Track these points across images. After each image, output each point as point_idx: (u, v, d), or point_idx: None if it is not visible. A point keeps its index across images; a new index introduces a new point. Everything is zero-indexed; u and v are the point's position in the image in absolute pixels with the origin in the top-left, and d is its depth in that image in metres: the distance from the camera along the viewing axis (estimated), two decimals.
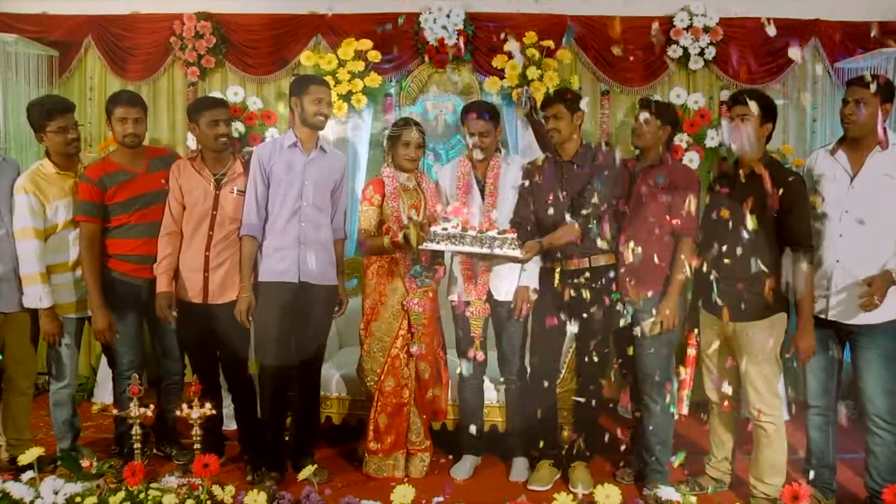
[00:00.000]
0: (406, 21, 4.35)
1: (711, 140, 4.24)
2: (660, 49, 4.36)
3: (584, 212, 3.02)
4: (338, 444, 3.66)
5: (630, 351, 3.10)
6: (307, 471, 2.59)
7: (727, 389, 3.00)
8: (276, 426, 3.26)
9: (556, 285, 3.12)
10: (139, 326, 3.37)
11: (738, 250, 2.81)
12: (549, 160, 3.23)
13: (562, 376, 3.42)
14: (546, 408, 3.26)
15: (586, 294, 3.08)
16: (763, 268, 2.78)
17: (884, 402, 2.80)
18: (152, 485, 2.53)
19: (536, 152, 3.88)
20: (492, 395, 3.49)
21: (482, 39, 4.38)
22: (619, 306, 3.06)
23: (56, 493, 2.48)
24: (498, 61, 4.27)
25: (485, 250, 3.02)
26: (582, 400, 3.18)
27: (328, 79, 3.88)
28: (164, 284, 3.18)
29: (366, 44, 4.27)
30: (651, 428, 3.08)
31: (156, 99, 4.58)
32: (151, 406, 2.81)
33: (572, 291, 3.11)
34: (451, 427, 3.52)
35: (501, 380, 3.41)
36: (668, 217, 3.00)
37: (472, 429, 3.35)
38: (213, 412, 2.77)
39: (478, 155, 3.25)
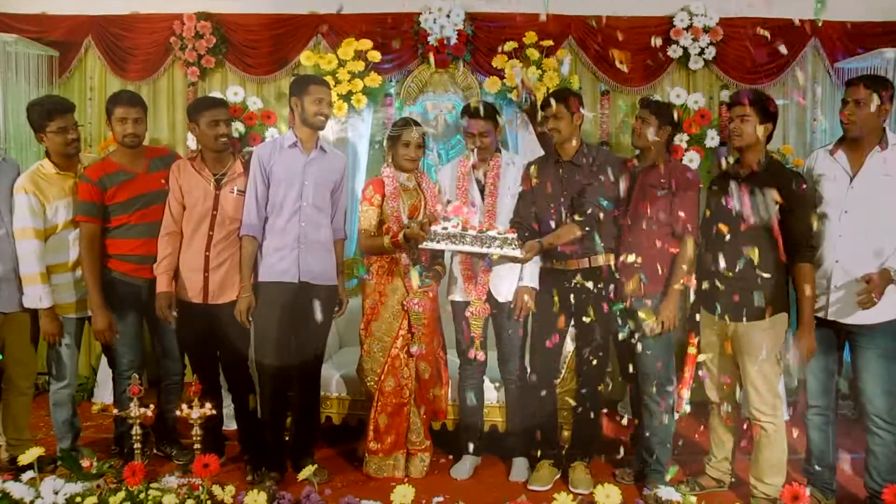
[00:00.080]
0: (406, 21, 4.35)
1: (711, 140, 4.24)
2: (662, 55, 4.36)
3: (583, 212, 3.02)
4: (338, 444, 3.65)
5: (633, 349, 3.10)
6: (307, 471, 2.59)
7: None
8: (276, 426, 3.26)
9: (555, 285, 3.13)
10: (139, 326, 3.37)
11: (739, 250, 2.81)
12: (549, 160, 3.23)
13: (562, 376, 3.42)
14: (546, 408, 3.26)
15: (586, 294, 3.08)
16: (763, 268, 2.78)
17: (883, 402, 2.80)
18: (152, 485, 2.53)
19: (536, 152, 3.88)
20: (492, 395, 3.49)
21: (482, 39, 4.38)
22: (619, 314, 3.06)
23: (56, 493, 2.49)
24: (498, 61, 4.26)
25: (485, 250, 3.02)
26: (574, 402, 3.18)
27: (328, 79, 3.88)
28: (164, 284, 3.18)
29: (366, 44, 4.27)
30: (651, 428, 3.08)
31: (156, 99, 4.58)
32: (151, 406, 2.82)
33: (572, 291, 3.11)
34: (451, 427, 3.52)
35: (497, 384, 3.41)
36: (668, 217, 3.00)
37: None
38: (213, 412, 2.78)
39: (477, 155, 3.26)
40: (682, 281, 2.98)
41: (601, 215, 3.03)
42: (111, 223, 3.21)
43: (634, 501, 2.66)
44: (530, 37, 4.22)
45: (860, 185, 2.84)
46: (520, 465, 3.33)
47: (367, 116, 4.40)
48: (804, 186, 2.83)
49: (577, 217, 3.03)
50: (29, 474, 2.57)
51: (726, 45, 4.36)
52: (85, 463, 2.64)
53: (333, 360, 3.77)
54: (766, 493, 2.90)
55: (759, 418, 2.89)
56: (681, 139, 4.22)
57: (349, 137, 4.38)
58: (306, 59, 4.33)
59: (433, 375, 3.35)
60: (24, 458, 2.55)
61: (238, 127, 4.22)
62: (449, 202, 3.30)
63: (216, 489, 2.51)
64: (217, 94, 4.20)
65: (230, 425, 3.53)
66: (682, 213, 2.99)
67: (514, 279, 3.22)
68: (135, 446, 2.78)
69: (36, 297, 3.15)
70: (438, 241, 3.04)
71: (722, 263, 2.87)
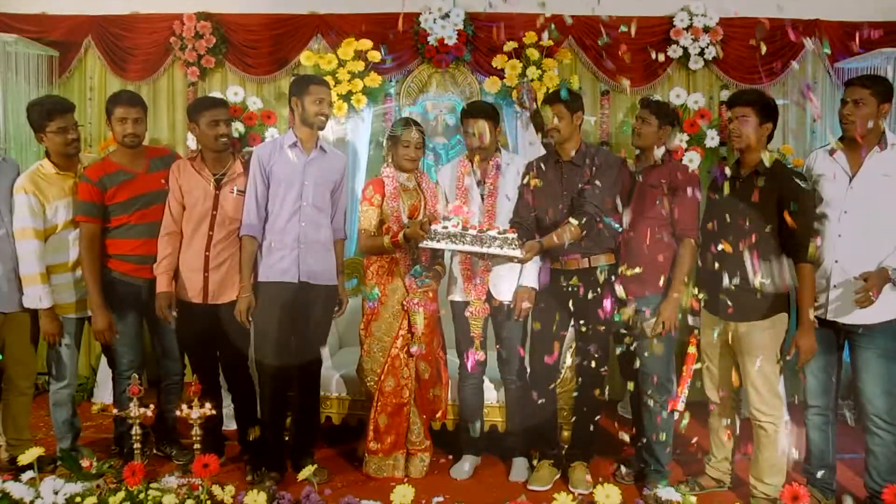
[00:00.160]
0: (406, 21, 4.35)
1: (711, 140, 4.24)
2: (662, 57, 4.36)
3: (583, 212, 3.02)
4: (338, 444, 3.66)
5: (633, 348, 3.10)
6: (307, 471, 2.59)
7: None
8: (276, 426, 3.26)
9: (555, 285, 3.12)
10: (139, 326, 3.37)
11: (739, 251, 2.81)
12: (549, 160, 3.23)
13: (562, 376, 3.42)
14: (546, 408, 3.26)
15: (586, 294, 3.08)
16: (763, 268, 2.78)
17: (883, 402, 2.80)
18: (152, 485, 2.53)
19: (536, 152, 3.88)
20: (492, 395, 3.49)
21: (482, 39, 4.38)
22: (619, 314, 3.06)
23: (56, 493, 2.49)
24: (498, 61, 4.27)
25: (485, 250, 3.02)
26: (573, 402, 3.18)
27: (328, 79, 3.88)
28: (163, 284, 3.18)
29: (366, 44, 4.27)
30: (651, 428, 3.08)
31: (156, 99, 4.58)
32: (151, 406, 2.82)
33: (572, 291, 3.11)
34: (451, 427, 3.52)
35: (495, 382, 3.41)
36: (668, 217, 3.00)
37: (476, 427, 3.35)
38: (213, 412, 2.78)
39: (477, 155, 3.26)
40: (682, 281, 2.98)
41: (601, 215, 3.03)
42: (111, 223, 3.21)
43: (634, 501, 2.66)
44: (530, 37, 4.23)
45: (859, 185, 2.84)
46: (520, 465, 3.33)
47: (367, 116, 4.40)
48: (805, 186, 2.83)
49: (576, 217, 3.03)
50: (29, 474, 2.57)
51: (726, 44, 4.36)
52: (85, 463, 2.65)
53: (333, 360, 3.76)
54: (766, 493, 2.90)
55: (759, 418, 2.89)
56: (681, 139, 4.22)
57: (349, 137, 4.38)
58: (306, 59, 4.34)
59: (433, 375, 3.35)
60: (24, 458, 2.55)
61: (238, 127, 4.23)
62: (448, 202, 3.30)
63: (216, 489, 2.51)
64: (217, 94, 4.20)
65: (230, 425, 3.54)
66: (681, 214, 2.99)
67: (513, 279, 3.22)
68: (135, 446, 2.78)
69: (36, 297, 3.15)
70: (438, 241, 3.03)
71: (722, 263, 2.87)
